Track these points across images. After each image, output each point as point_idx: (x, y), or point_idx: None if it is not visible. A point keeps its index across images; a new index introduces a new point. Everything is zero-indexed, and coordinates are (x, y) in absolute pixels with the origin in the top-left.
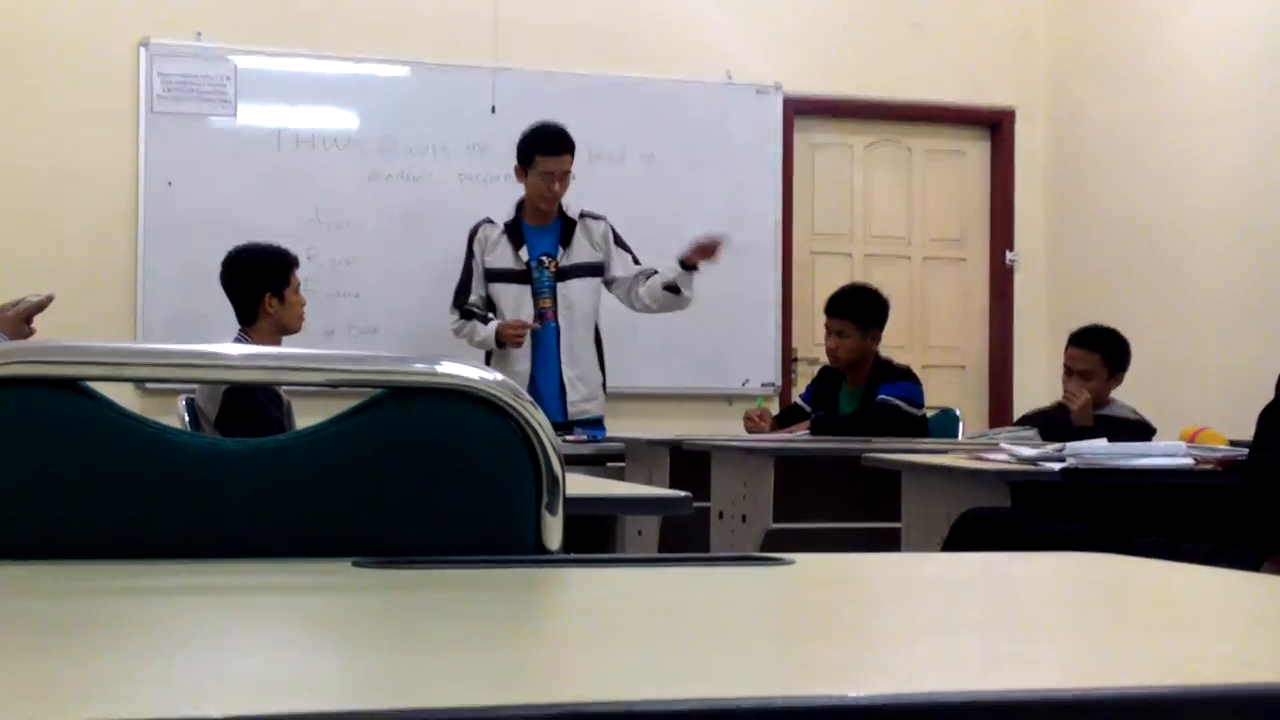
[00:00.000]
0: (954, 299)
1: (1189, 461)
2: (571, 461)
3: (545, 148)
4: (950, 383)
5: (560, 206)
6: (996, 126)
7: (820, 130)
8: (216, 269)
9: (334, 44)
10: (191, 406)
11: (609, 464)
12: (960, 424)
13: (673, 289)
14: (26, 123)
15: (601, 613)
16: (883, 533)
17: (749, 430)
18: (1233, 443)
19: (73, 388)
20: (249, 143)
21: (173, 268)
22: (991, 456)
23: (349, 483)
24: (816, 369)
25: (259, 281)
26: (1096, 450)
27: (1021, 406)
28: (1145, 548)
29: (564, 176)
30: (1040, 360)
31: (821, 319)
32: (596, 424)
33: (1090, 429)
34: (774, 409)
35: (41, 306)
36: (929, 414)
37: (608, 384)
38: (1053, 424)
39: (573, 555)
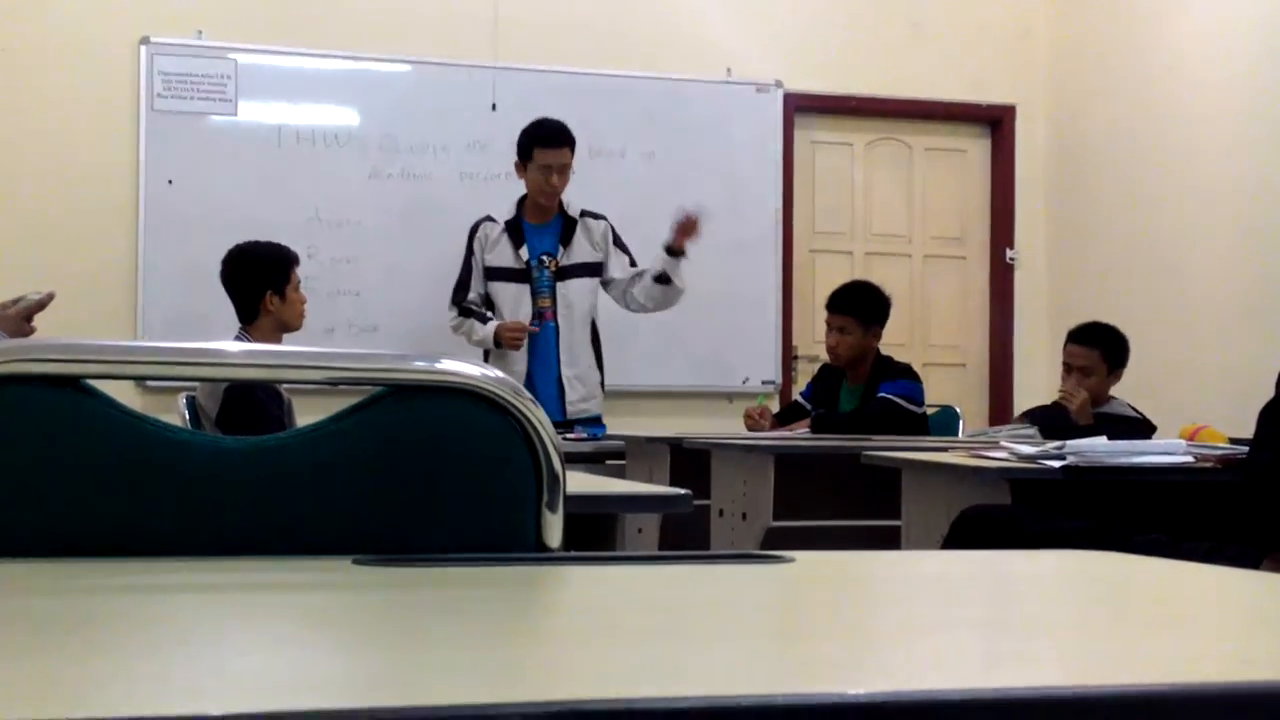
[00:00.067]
0: (954, 297)
1: (1189, 459)
2: (572, 459)
3: (544, 141)
4: (950, 380)
5: (561, 205)
6: (997, 124)
7: (820, 128)
8: (217, 267)
9: (334, 42)
10: (192, 404)
11: (609, 462)
12: (960, 422)
13: (663, 279)
14: (27, 121)
15: (602, 611)
16: (883, 530)
17: (749, 428)
18: (1233, 441)
19: (73, 385)
20: (249, 140)
21: (173, 265)
22: (992, 454)
23: (349, 480)
24: (817, 367)
25: (260, 279)
26: (1097, 448)
27: (1022, 404)
28: (1145, 546)
29: (563, 170)
30: (1040, 358)
31: (822, 316)
32: (596, 422)
33: (1091, 426)
34: (774, 407)
35: (42, 304)
36: (929, 412)
37: (605, 383)
38: (1053, 421)
39: (573, 553)
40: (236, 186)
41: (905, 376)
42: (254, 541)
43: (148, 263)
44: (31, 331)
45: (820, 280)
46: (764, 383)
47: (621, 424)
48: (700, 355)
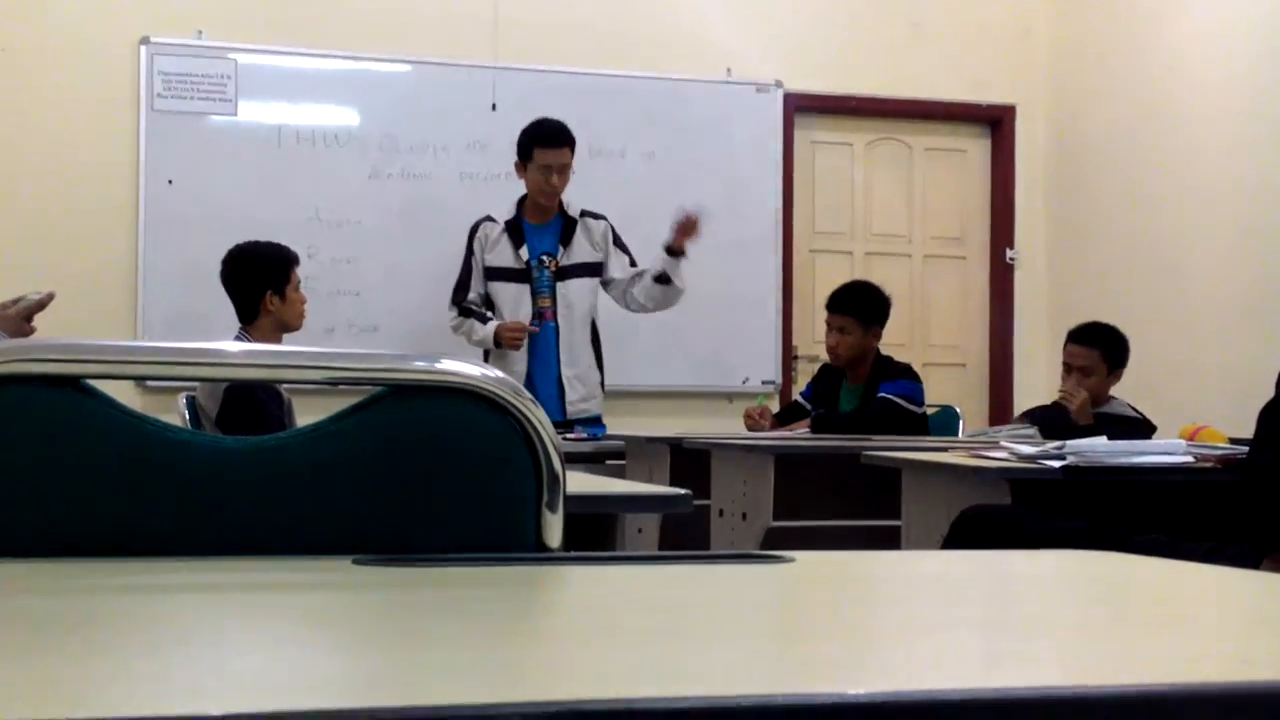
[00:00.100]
0: (954, 297)
1: (1189, 459)
2: (572, 459)
3: (544, 141)
4: (950, 380)
5: (561, 205)
6: (997, 124)
7: (820, 128)
8: (217, 267)
9: (334, 42)
10: (192, 404)
11: (609, 462)
12: (960, 422)
13: (663, 279)
14: (27, 121)
15: (601, 611)
16: (883, 530)
17: (749, 428)
18: (1233, 441)
19: (73, 385)
20: (249, 140)
21: (173, 265)
22: (992, 454)
23: (349, 480)
24: (817, 367)
25: (260, 279)
26: (1097, 448)
27: (1022, 404)
28: (1145, 545)
29: (563, 170)
30: (1040, 358)
31: (822, 316)
32: (596, 422)
33: (1091, 427)
34: (774, 407)
35: (42, 304)
36: (929, 412)
37: (605, 383)
38: (1053, 421)
39: (573, 553)
40: (236, 186)
41: (905, 376)
42: (254, 541)
43: (148, 263)
44: (31, 331)
45: (820, 280)
46: (764, 383)
47: (621, 424)
48: (700, 355)
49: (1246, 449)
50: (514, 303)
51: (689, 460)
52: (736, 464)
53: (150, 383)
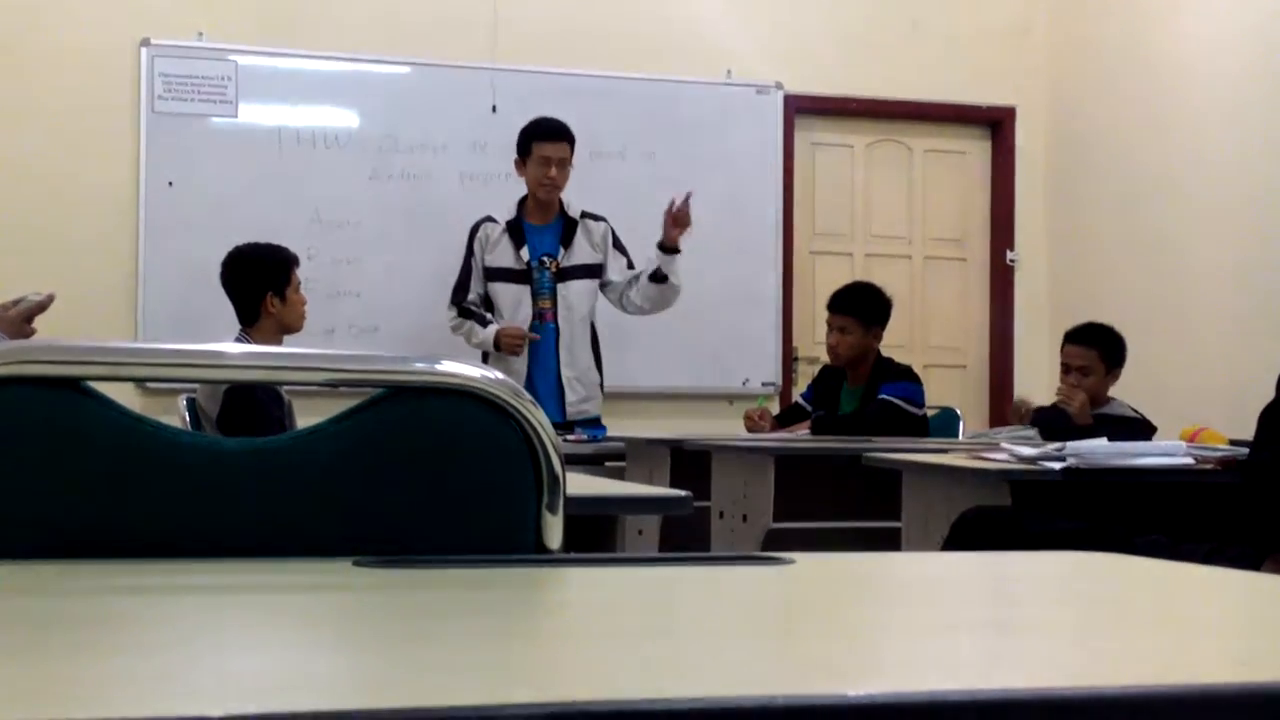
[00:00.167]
0: (954, 298)
1: (1189, 461)
2: (572, 461)
3: (542, 135)
4: (951, 382)
5: (561, 205)
6: (997, 126)
7: (821, 129)
8: (217, 268)
9: (335, 43)
10: (192, 406)
11: (609, 464)
12: (961, 423)
13: (659, 278)
14: (27, 122)
15: (602, 612)
16: (883, 532)
17: (749, 430)
18: (1233, 442)
19: (74, 387)
20: (250, 142)
21: (173, 267)
22: (992, 456)
23: (349, 482)
24: (817, 368)
25: (260, 281)
26: (1097, 449)
27: None
28: (1145, 547)
29: (562, 164)
30: (1041, 359)
31: (822, 318)
32: (596, 424)
33: (1090, 427)
34: (774, 408)
35: (43, 306)
36: (929, 413)
37: (605, 384)
38: (1053, 423)
39: (573, 555)
40: (237, 188)
41: (905, 378)
42: (254, 543)
43: (148, 264)
44: (32, 333)
45: (820, 282)
46: (764, 384)
47: (622, 425)
48: (700, 357)
49: (1246, 450)
50: (514, 303)
51: (689, 462)
52: (737, 465)
53: (150, 384)
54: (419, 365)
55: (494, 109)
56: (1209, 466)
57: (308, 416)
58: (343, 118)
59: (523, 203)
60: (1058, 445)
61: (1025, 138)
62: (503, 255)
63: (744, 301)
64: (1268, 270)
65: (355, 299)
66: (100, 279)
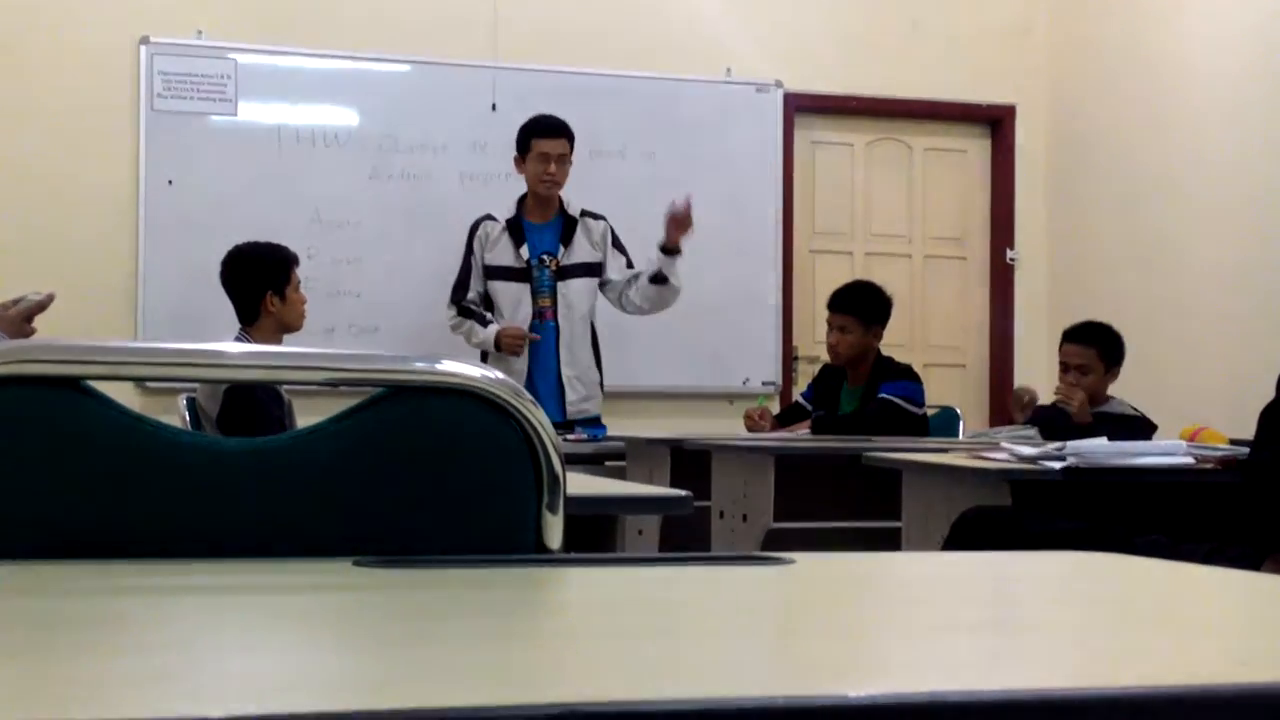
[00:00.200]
0: (954, 297)
1: (1189, 460)
2: (572, 461)
3: (541, 131)
4: (951, 381)
5: (561, 204)
6: (997, 124)
7: (821, 128)
8: (217, 267)
9: (334, 42)
10: (192, 405)
11: (609, 463)
12: (961, 423)
13: (660, 279)
14: (27, 121)
15: (602, 612)
16: (883, 532)
17: (749, 429)
18: (1233, 442)
19: (74, 387)
20: (249, 141)
21: (173, 266)
22: (992, 455)
23: (349, 482)
24: (817, 368)
25: (260, 280)
26: (1097, 449)
27: None
28: (1145, 547)
29: (561, 160)
30: (1041, 359)
31: (822, 317)
32: (596, 423)
33: (1091, 425)
34: (774, 408)
35: (43, 306)
36: (930, 413)
37: (604, 383)
38: (1053, 422)
39: (573, 554)
40: (237, 187)
41: (906, 377)
42: (254, 543)
43: (147, 263)
44: (32, 332)
45: (820, 281)
46: (764, 384)
47: (622, 425)
48: (700, 356)
49: (1247, 450)
50: (514, 302)
51: (689, 461)
52: (737, 465)
53: (150, 384)
54: (419, 365)
55: (494, 108)
56: (1209, 466)
57: (308, 416)
58: (343, 116)
59: (522, 201)
60: (1058, 445)
61: (1025, 137)
62: (502, 253)
63: (744, 301)
64: (1268, 270)
65: (355, 298)
66: (100, 278)
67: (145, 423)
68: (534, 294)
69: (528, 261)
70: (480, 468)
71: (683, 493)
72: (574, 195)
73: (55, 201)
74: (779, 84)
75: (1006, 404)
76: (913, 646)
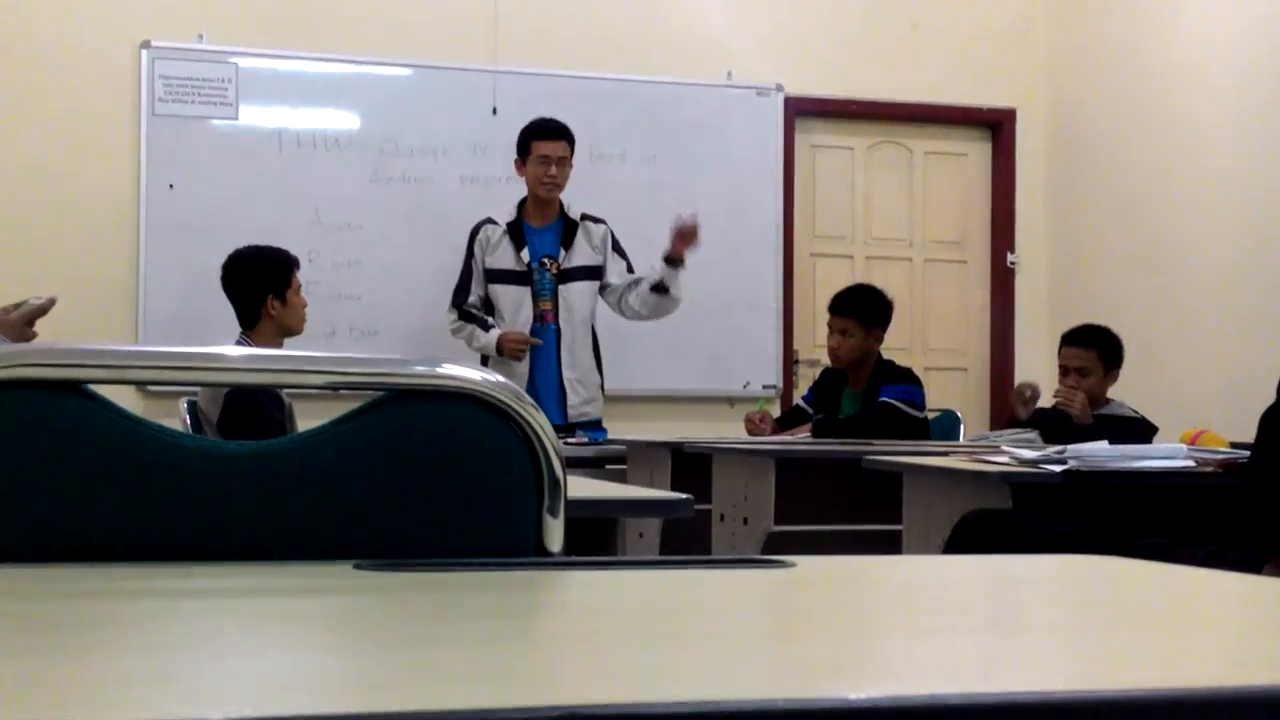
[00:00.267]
0: (955, 300)
1: (1190, 463)
2: (573, 464)
3: (541, 134)
4: (951, 385)
5: (561, 207)
6: (997, 127)
7: (821, 131)
8: (218, 271)
9: (335, 45)
10: (193, 409)
11: (610, 466)
12: (961, 426)
13: (661, 289)
14: (28, 125)
15: (603, 615)
16: (884, 535)
17: (750, 433)
18: (1234, 445)
19: (74, 390)
20: (250, 144)
21: (174, 270)
22: (993, 458)
23: (350, 485)
24: (817, 371)
25: (260, 283)
26: (1097, 452)
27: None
28: (1146, 550)
29: (561, 163)
30: (1041, 362)
31: (823, 320)
32: (597, 426)
33: (1091, 427)
34: (775, 411)
35: (44, 310)
36: (930, 416)
37: (605, 386)
38: (1054, 424)
39: (574, 558)
40: (238, 190)
41: (906, 381)
42: (255, 546)
43: (149, 267)
44: (33, 336)
45: (821, 284)
46: (765, 387)
47: (622, 428)
48: (701, 359)
49: (1247, 453)
50: (515, 305)
51: (690, 465)
52: (738, 468)
53: (151, 387)
54: (420, 368)
55: (495, 111)
56: (1210, 469)
57: (309, 419)
58: (343, 120)
59: (523, 204)
60: (1058, 448)
61: (1025, 139)
62: (503, 257)
63: (744, 304)
64: (1268, 272)
65: (356, 301)
66: (101, 282)
67: (146, 426)
68: (535, 297)
69: (528, 265)
70: (481, 471)
71: (683, 496)
72: (574, 199)
73: (57, 205)
74: (779, 87)
75: (1008, 404)
76: (913, 649)
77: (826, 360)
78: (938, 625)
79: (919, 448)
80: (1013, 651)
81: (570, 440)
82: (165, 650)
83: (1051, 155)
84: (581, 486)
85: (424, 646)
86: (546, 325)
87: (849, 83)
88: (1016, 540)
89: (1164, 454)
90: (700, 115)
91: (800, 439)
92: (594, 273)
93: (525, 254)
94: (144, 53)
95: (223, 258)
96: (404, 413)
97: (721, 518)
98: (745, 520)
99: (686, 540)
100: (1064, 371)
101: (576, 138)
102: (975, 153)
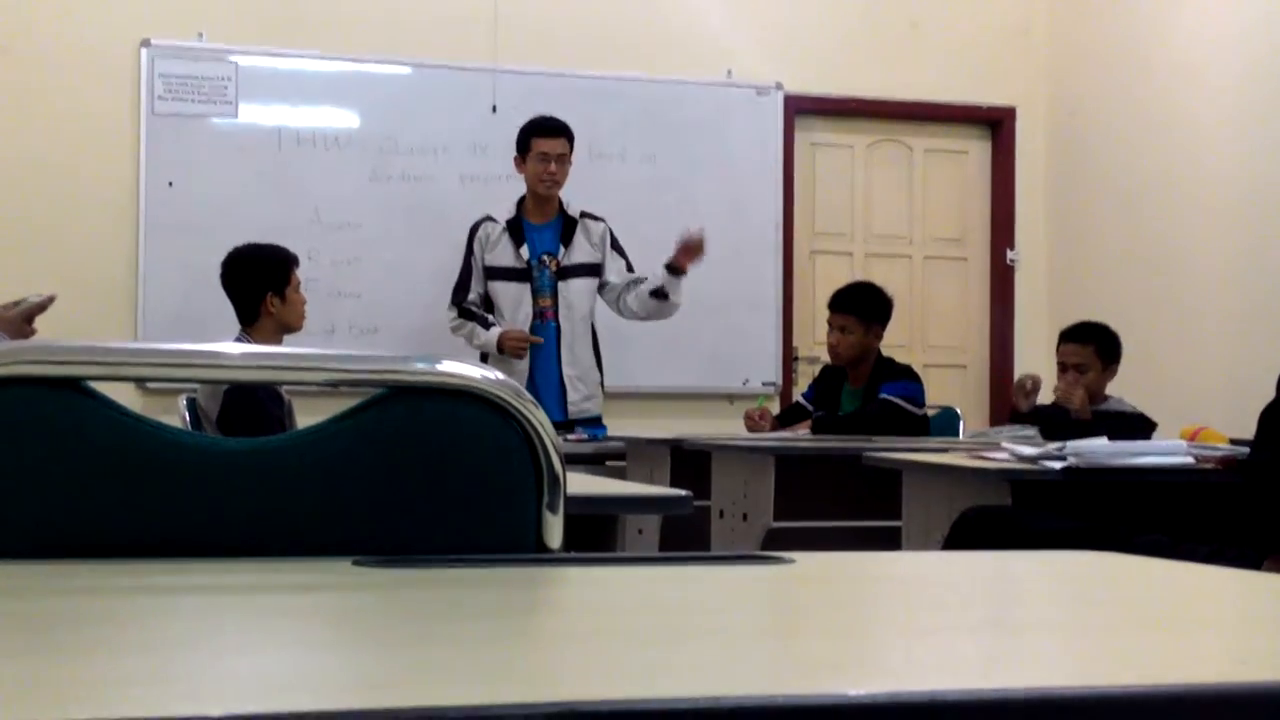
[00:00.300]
0: (955, 298)
1: (1190, 460)
2: (572, 460)
3: (541, 131)
4: (951, 382)
5: (561, 204)
6: (997, 125)
7: (821, 129)
8: (217, 269)
9: (335, 44)
10: (193, 406)
11: (610, 463)
12: (961, 423)
13: (660, 295)
14: (27, 123)
15: (602, 611)
16: (883, 532)
17: (749, 430)
18: (1233, 442)
19: (74, 387)
20: (250, 142)
21: (173, 267)
22: (992, 455)
23: (350, 482)
24: (817, 368)
25: (260, 281)
26: (1097, 449)
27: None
28: (1146, 546)
29: (561, 160)
30: (1041, 359)
31: (822, 318)
32: (597, 423)
33: (1091, 423)
34: (774, 408)
35: (43, 307)
36: (930, 413)
37: (605, 383)
38: (1054, 419)
39: (573, 554)
40: (237, 189)
41: (906, 378)
42: (254, 543)
43: (148, 265)
44: (32, 333)
45: (821, 282)
46: (764, 384)
47: (622, 425)
48: (701, 356)
49: (1247, 450)
50: (514, 302)
51: (689, 461)
52: (737, 465)
53: (151, 384)
54: (419, 365)
55: (494, 110)
56: (1209, 466)
57: (308, 416)
58: (343, 118)
59: (522, 202)
60: (1058, 445)
61: (1025, 138)
62: (503, 254)
63: (744, 301)
64: (1268, 270)
65: (355, 299)
66: (100, 279)
67: (145, 423)
68: (534, 294)
69: (528, 262)
70: (480, 468)
71: (683, 492)
72: (574, 197)
73: (56, 203)
74: (779, 86)
75: (1007, 401)
76: (912, 645)
77: (826, 357)
78: (937, 622)
79: (918, 444)
80: (1012, 648)
81: (570, 437)
82: (165, 647)
83: (1051, 153)
84: (581, 483)
85: (423, 643)
86: (546, 322)
87: (849, 81)
88: (1016, 537)
89: (1164, 451)
90: (700, 114)
91: (800, 436)
92: (593, 270)
93: (525, 251)
94: (143, 51)
95: (222, 255)
96: (403, 410)
97: (721, 514)
98: (745, 517)
99: (686, 537)
100: (1062, 368)
101: (576, 136)
102: (975, 151)
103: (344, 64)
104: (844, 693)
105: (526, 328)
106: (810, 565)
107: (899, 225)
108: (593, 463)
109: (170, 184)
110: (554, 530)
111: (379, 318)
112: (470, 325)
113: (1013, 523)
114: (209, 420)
